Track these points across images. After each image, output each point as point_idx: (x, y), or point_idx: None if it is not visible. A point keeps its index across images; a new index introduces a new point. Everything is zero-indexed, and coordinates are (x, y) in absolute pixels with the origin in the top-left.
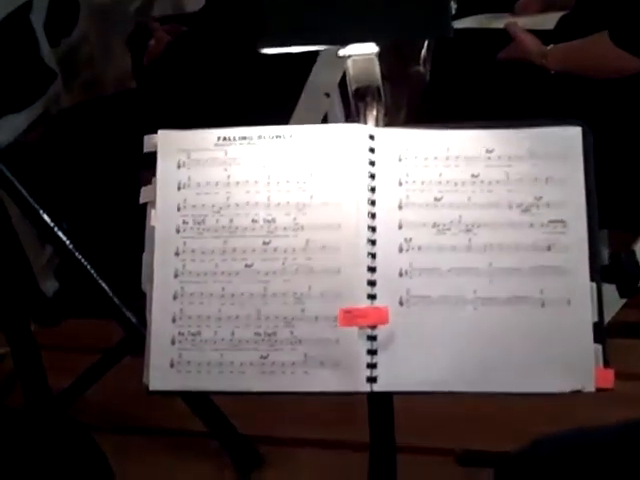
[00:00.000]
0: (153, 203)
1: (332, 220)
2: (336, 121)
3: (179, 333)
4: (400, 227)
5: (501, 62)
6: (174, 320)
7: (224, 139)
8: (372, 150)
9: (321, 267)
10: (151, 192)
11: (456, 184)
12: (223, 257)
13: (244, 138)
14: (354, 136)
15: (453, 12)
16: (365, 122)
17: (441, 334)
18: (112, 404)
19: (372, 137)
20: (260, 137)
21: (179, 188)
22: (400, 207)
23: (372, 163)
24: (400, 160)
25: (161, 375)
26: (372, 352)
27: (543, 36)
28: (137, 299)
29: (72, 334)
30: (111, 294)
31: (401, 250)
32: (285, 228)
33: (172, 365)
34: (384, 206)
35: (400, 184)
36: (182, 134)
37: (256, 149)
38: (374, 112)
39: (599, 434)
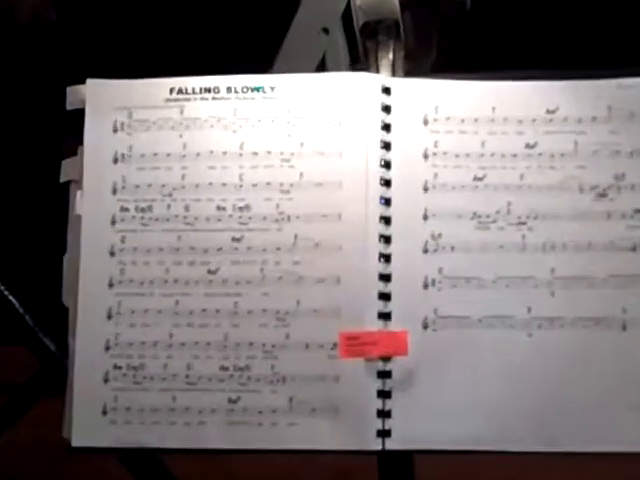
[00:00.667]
0: (79, 183)
1: (329, 207)
2: (337, 68)
3: (115, 366)
4: (425, 218)
5: None
6: (108, 348)
7: (180, 92)
8: (387, 109)
9: (314, 274)
10: (76, 167)
11: (504, 157)
12: (176, 258)
13: (208, 91)
14: (361, 89)
15: None
16: (377, 70)
17: (481, 371)
18: (25, 463)
19: (387, 90)
20: (230, 89)
21: (115, 161)
22: (425, 189)
23: (386, 127)
24: (426, 123)
25: (88, 426)
26: (384, 394)
27: None
28: (56, 317)
29: None
30: (21, 310)
31: (426, 251)
32: (264, 218)
33: (104, 412)
34: (402, 188)
35: (425, 157)
36: (120, 85)
37: (224, 107)
38: (390, 55)
39: None
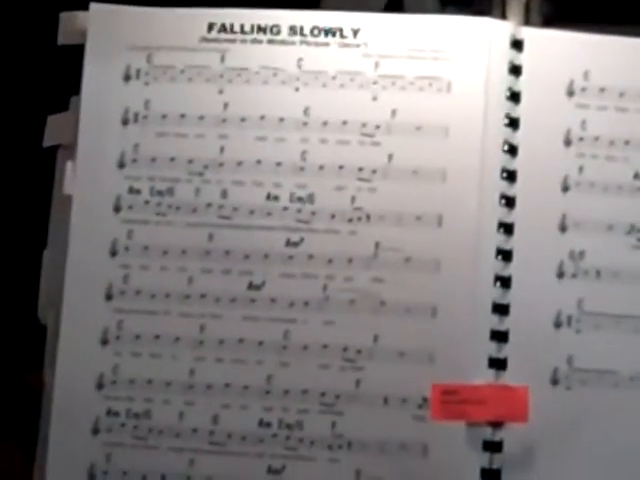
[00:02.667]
0: (70, 149)
1: (427, 206)
2: (425, 9)
3: (109, 412)
4: (563, 229)
5: None
6: (100, 386)
7: (222, 29)
8: (516, 71)
9: (400, 299)
10: (66, 126)
11: None
12: (205, 265)
13: (262, 30)
14: (482, 41)
15: None
16: (503, 14)
17: (631, 449)
18: None
19: (517, 45)
20: (295, 30)
21: (125, 122)
22: (565, 188)
23: (514, 96)
24: (571, 94)
25: None
26: (491, 475)
27: None
28: (27, 339)
29: None
30: None
31: (561, 275)
32: (333, 216)
33: (92, 477)
34: (532, 184)
35: (567, 142)
36: (137, 15)
37: (285, 54)
38: None
39: None
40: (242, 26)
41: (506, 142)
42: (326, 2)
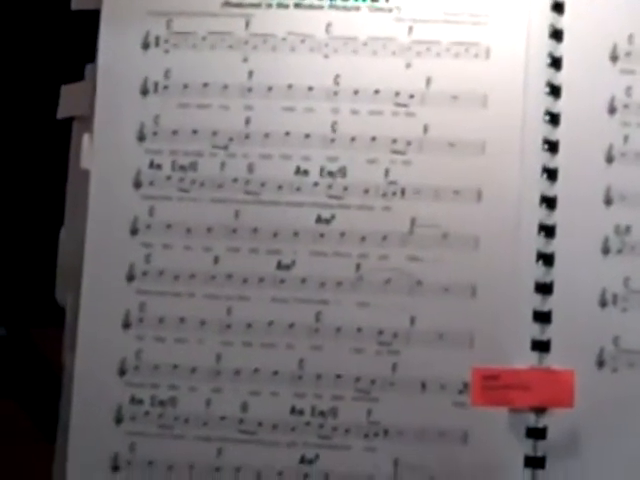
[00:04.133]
0: (87, 122)
1: (465, 180)
2: None
3: (133, 400)
4: (608, 202)
5: None
6: (123, 372)
7: None
8: (557, 35)
9: (438, 279)
10: (82, 96)
11: None
12: (231, 244)
13: None
14: (520, 3)
15: None
16: None
17: None
18: None
19: (558, 7)
20: None
21: (145, 92)
22: (609, 159)
23: (555, 63)
24: (615, 60)
25: None
26: (535, 462)
27: None
28: (46, 319)
29: None
30: None
31: (607, 251)
32: (366, 191)
33: (115, 467)
34: (575, 155)
35: (612, 110)
36: None
37: (313, 19)
38: None
39: None
40: None
41: (547, 111)
42: None
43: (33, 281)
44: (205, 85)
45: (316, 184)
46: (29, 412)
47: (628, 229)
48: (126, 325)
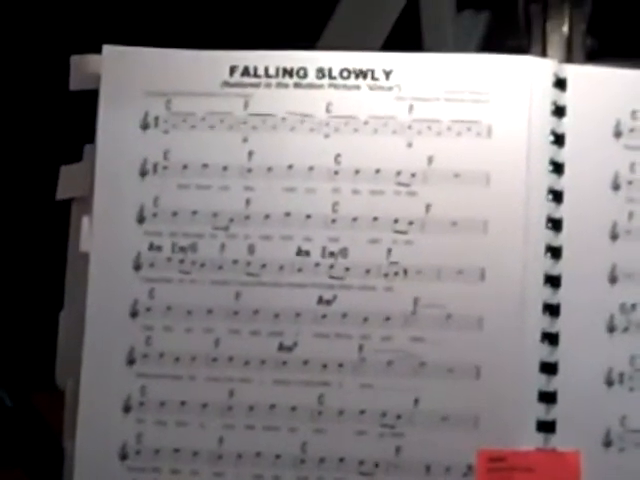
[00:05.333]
0: (86, 203)
1: (468, 259)
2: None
3: None
4: (613, 280)
5: None
6: (124, 456)
7: (245, 73)
8: (560, 112)
9: (442, 360)
10: (81, 178)
11: None
12: (232, 326)
13: (289, 73)
14: (524, 80)
15: None
16: (544, 51)
17: None
18: None
19: (561, 84)
20: (323, 73)
21: (144, 173)
22: (614, 237)
23: (558, 139)
24: (618, 136)
25: None
26: None
27: None
28: (44, 406)
29: None
30: None
31: (612, 329)
32: (368, 271)
33: None
34: (579, 233)
35: (616, 187)
36: (155, 57)
37: (313, 99)
38: (565, 29)
39: None
40: (266, 69)
41: (550, 189)
42: (325, 39)
43: (34, 349)
44: (205, 166)
45: (317, 265)
46: (31, 477)
47: (634, 307)
48: (126, 409)
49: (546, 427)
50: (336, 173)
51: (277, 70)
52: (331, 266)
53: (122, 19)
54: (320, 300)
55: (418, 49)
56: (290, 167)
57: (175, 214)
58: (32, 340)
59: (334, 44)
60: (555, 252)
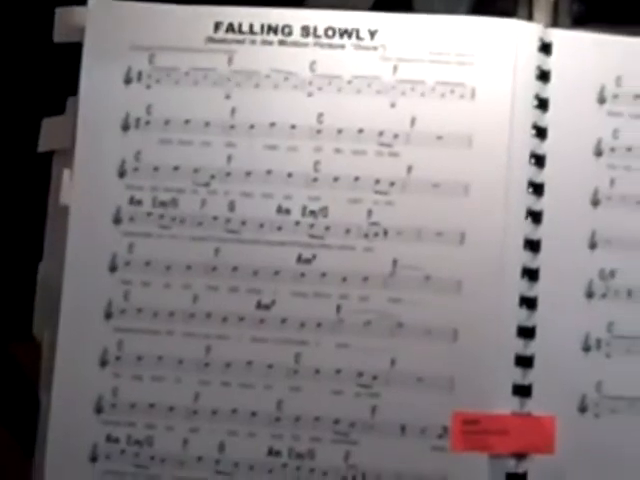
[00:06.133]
0: (67, 156)
1: (448, 222)
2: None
3: (109, 438)
4: (592, 246)
5: None
6: (99, 410)
7: (230, 29)
8: (544, 76)
9: (419, 321)
10: (63, 130)
11: None
12: (210, 282)
13: (273, 30)
14: (508, 44)
15: None
16: (530, 15)
17: None
18: None
19: (546, 48)
20: (308, 31)
21: (126, 127)
22: (595, 202)
23: (542, 104)
24: (602, 102)
25: None
26: None
27: None
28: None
29: None
30: None
31: (591, 295)
32: (348, 231)
33: None
34: (560, 198)
35: (598, 153)
36: (140, 11)
37: (297, 57)
38: None
39: None
40: (251, 26)
41: (533, 153)
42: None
43: (12, 301)
44: (187, 121)
45: (297, 223)
46: (9, 428)
47: (612, 273)
48: (103, 363)
49: (522, 391)
50: (318, 132)
51: (262, 27)
52: (311, 225)
53: None
54: (299, 259)
55: (408, 11)
56: (272, 125)
57: (156, 169)
58: (10, 291)
59: (323, 3)
60: (536, 217)
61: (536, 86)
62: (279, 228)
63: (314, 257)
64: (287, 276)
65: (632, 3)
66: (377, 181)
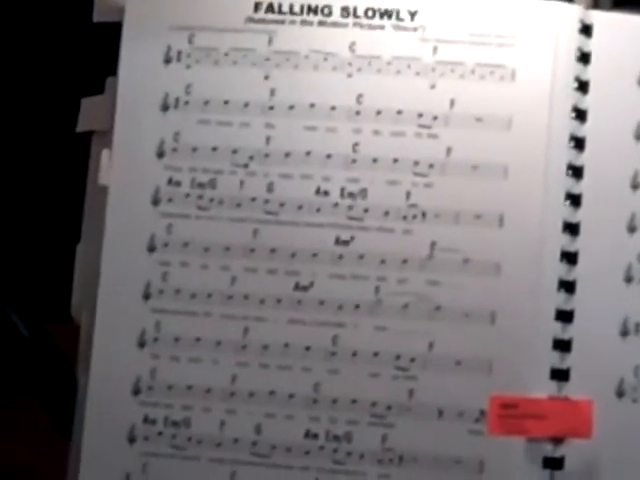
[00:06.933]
0: (106, 136)
1: (487, 204)
2: None
3: (146, 419)
4: (632, 229)
5: None
6: (137, 391)
7: (270, 9)
8: (584, 58)
9: (458, 304)
10: (102, 110)
11: None
12: (248, 264)
13: (313, 11)
14: (549, 26)
15: None
16: None
17: None
18: None
19: (587, 30)
20: (348, 12)
21: (165, 107)
22: (635, 186)
23: (582, 86)
24: None
25: None
26: None
27: None
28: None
29: None
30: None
31: (630, 279)
32: (386, 213)
33: None
34: (600, 181)
35: (639, 136)
36: None
37: (337, 37)
38: None
39: None
40: (291, 6)
41: (573, 136)
42: None
43: (51, 282)
44: (226, 102)
45: (336, 205)
46: (47, 409)
47: None
48: (141, 344)
49: (560, 375)
50: (357, 113)
51: (302, 7)
52: (350, 207)
53: None
54: (337, 240)
55: None
56: (312, 106)
57: (195, 149)
58: (49, 271)
59: None
60: (575, 199)
61: (576, 68)
62: (318, 210)
63: (352, 239)
64: (325, 258)
65: None
66: (416, 163)
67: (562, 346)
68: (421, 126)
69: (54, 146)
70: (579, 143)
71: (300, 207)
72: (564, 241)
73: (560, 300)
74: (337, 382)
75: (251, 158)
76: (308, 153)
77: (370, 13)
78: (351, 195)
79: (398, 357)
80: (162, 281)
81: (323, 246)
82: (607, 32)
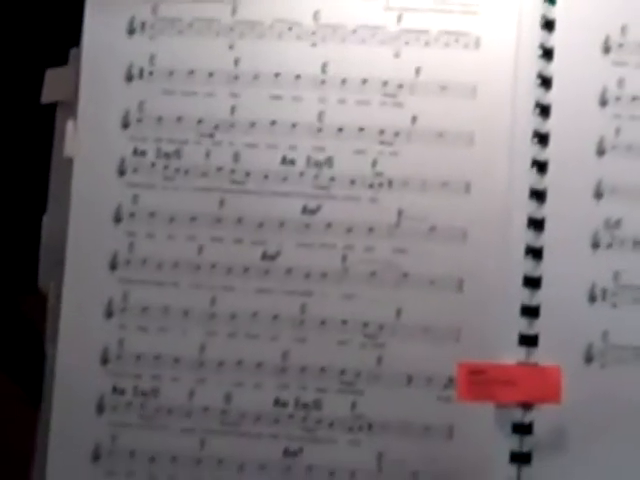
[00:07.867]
0: (70, 107)
1: (453, 172)
2: None
3: (115, 389)
4: (598, 195)
5: None
6: (105, 360)
7: None
8: (548, 26)
9: (424, 271)
10: (66, 81)
11: None
12: (215, 233)
13: None
14: None
15: None
16: None
17: None
18: None
19: None
20: None
21: (129, 78)
22: (600, 152)
23: (547, 54)
24: (607, 51)
25: (71, 478)
26: (521, 458)
27: None
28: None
29: None
30: None
31: (596, 245)
32: (353, 182)
33: (96, 457)
34: (565, 148)
35: (603, 103)
36: None
37: (300, 6)
38: None
39: None
40: None
41: (538, 103)
42: None
43: (18, 253)
44: (191, 72)
45: (302, 174)
46: (16, 379)
47: (618, 223)
48: (109, 314)
49: (528, 341)
50: (323, 82)
51: None
52: (316, 176)
53: None
54: (304, 209)
55: None
56: (277, 75)
57: (160, 120)
58: (16, 243)
59: None
60: (541, 166)
61: (541, 35)
62: (284, 179)
63: (319, 208)
64: (292, 227)
65: None
66: (382, 131)
67: (530, 312)
68: (386, 94)
69: (19, 118)
70: (544, 110)
71: (266, 176)
72: (531, 208)
73: (528, 266)
74: (306, 350)
75: (216, 128)
76: (273, 122)
77: None
78: (317, 164)
79: (366, 325)
80: (129, 251)
81: (290, 215)
82: (571, 0)
